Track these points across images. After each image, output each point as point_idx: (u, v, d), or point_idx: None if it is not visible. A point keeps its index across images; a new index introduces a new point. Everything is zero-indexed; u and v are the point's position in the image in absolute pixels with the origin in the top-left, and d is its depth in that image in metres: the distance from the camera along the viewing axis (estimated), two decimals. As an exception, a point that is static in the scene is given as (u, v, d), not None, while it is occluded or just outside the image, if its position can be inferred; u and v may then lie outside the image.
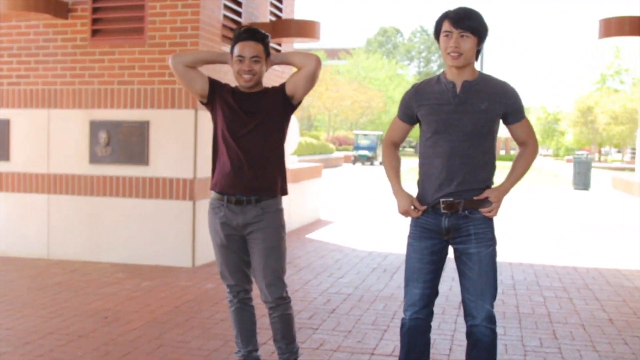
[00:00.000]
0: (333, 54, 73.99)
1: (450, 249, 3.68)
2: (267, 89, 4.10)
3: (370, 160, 45.73)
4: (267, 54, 4.04)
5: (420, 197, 3.64)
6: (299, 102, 4.13)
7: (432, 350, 3.82)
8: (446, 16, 3.51)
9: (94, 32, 8.28)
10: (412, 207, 3.65)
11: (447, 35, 3.49)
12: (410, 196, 3.67)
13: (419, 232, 3.64)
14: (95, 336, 5.22)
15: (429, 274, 3.62)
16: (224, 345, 5.03)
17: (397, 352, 4.83)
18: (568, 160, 49.94)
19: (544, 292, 7.11)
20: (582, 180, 24.41)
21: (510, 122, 3.63)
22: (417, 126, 3.79)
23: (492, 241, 3.59)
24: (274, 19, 10.22)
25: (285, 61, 4.19)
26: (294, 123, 11.92)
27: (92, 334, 5.27)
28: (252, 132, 3.99)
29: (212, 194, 4.13)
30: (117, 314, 5.84)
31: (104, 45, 8.23)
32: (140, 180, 8.10)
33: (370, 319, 5.88)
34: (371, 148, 46.47)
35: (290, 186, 10.59)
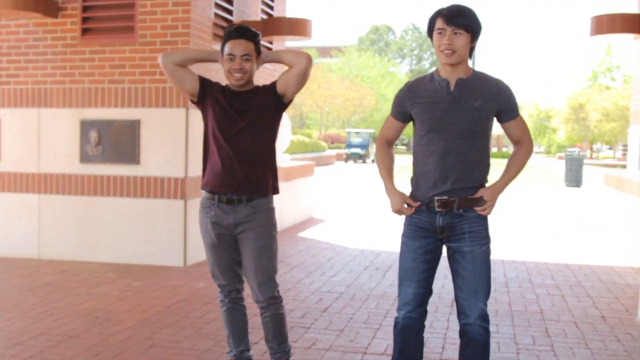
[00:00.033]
0: (325, 52, 73.92)
1: (444, 247, 3.67)
2: (258, 88, 4.08)
3: (362, 158, 45.72)
4: (258, 52, 4.02)
5: (414, 195, 3.62)
6: (290, 101, 4.11)
7: (424, 349, 3.80)
8: (439, 13, 3.49)
9: (84, 31, 8.24)
10: (405, 205, 3.63)
11: (440, 33, 3.47)
12: (402, 194, 3.65)
13: (412, 231, 3.62)
14: (86, 337, 5.18)
15: (422, 273, 3.61)
16: (216, 345, 5.00)
17: (390, 350, 4.83)
18: (560, 158, 49.99)
19: (536, 289, 7.11)
20: (574, 177, 24.45)
21: (504, 120, 3.61)
22: (410, 124, 3.77)
23: (486, 239, 3.58)
24: (265, 17, 10.19)
25: (276, 59, 4.17)
26: (286, 121, 11.90)
27: (83, 334, 5.24)
28: (243, 131, 3.97)
29: (203, 193, 4.11)
30: (108, 314, 5.81)
31: (94, 43, 8.19)
32: (132, 179, 8.06)
33: (363, 318, 5.87)
34: (363, 146, 46.44)
35: (282, 184, 10.58)
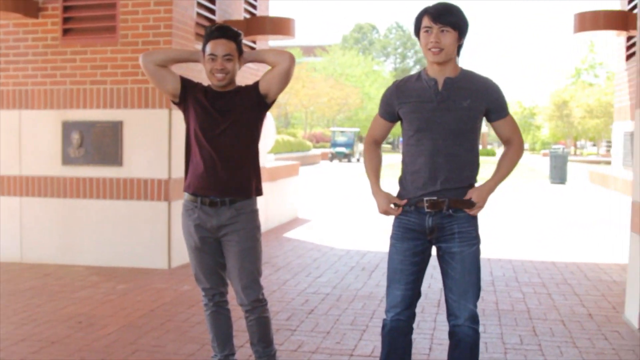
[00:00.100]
0: (309, 51, 73.91)
1: (433, 248, 3.63)
2: (240, 88, 4.02)
3: (347, 157, 45.75)
4: (240, 52, 3.96)
5: (402, 196, 3.58)
6: (273, 101, 4.05)
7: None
8: (425, 12, 3.45)
9: (65, 31, 8.15)
10: (392, 206, 3.59)
11: (427, 31, 3.43)
12: (388, 195, 3.60)
13: (401, 232, 3.57)
14: (69, 342, 5.11)
15: (411, 276, 3.56)
16: (201, 349, 4.94)
17: (377, 352, 4.79)
18: (544, 154, 50.26)
19: (523, 288, 7.09)
20: (559, 174, 24.54)
21: (493, 119, 3.57)
22: (398, 123, 3.73)
23: (475, 240, 3.54)
24: (248, 16, 10.12)
25: (258, 59, 4.11)
26: (271, 121, 11.84)
27: (65, 339, 5.16)
28: (226, 132, 3.91)
29: (186, 195, 4.04)
30: (92, 319, 5.73)
31: (75, 44, 8.10)
32: (114, 181, 7.98)
33: (349, 319, 5.82)
34: (348, 145, 46.47)
35: (267, 185, 10.52)
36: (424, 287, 3.75)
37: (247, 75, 8.91)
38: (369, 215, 12.57)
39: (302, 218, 12.90)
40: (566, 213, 14.34)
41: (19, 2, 7.86)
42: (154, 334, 5.34)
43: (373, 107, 64.37)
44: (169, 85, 4.01)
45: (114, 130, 7.95)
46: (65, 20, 8.14)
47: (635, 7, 8.93)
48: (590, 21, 9.35)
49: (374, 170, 3.72)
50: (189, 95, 3.99)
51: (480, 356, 4.71)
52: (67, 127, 8.09)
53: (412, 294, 3.58)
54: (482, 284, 6.89)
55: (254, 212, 4.03)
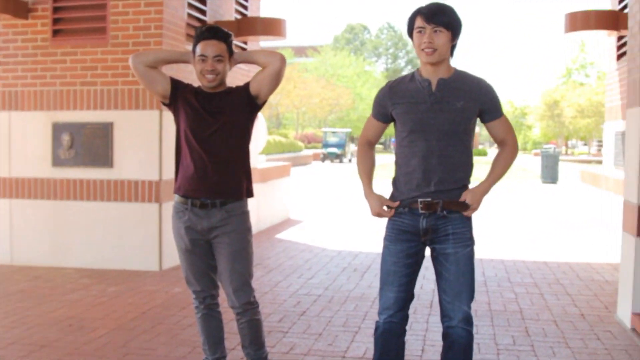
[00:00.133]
0: (300, 51, 73.84)
1: (427, 249, 3.61)
2: (230, 89, 4.00)
3: (339, 157, 45.74)
4: (230, 52, 3.93)
5: (396, 197, 3.56)
6: (264, 102, 4.03)
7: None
8: (418, 12, 3.43)
9: (55, 32, 8.10)
10: (385, 208, 3.57)
11: (420, 32, 3.40)
12: (380, 197, 3.59)
13: (395, 234, 3.55)
14: (59, 345, 5.07)
15: (404, 277, 3.54)
16: (192, 352, 4.91)
17: (369, 354, 4.77)
18: (536, 154, 50.37)
19: (515, 288, 7.08)
20: (550, 173, 24.59)
21: (487, 120, 3.55)
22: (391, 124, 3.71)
23: (470, 241, 3.52)
24: (239, 17, 10.09)
25: (248, 60, 4.08)
26: (262, 122, 11.82)
27: (55, 343, 5.12)
28: (216, 134, 3.88)
29: (176, 197, 4.01)
30: (82, 322, 5.69)
31: (65, 45, 8.05)
32: (105, 182, 7.94)
33: (341, 321, 5.80)
34: (340, 145, 46.46)
35: (259, 186, 10.50)
36: (416, 288, 3.73)
37: (238, 76, 8.87)
38: (361, 215, 12.55)
39: (293, 219, 12.87)
40: (558, 213, 14.36)
41: (8, 3, 7.80)
42: (145, 336, 5.30)
43: (365, 108, 64.43)
44: (159, 87, 3.98)
45: (105, 131, 7.90)
46: (55, 21, 8.09)
47: (625, 6, 8.93)
48: (582, 21, 9.36)
49: (367, 172, 3.70)
50: (179, 97, 3.96)
51: (473, 357, 4.68)
52: (57, 129, 8.04)
53: (405, 296, 3.56)
54: (475, 284, 6.88)
55: (245, 214, 4.00)
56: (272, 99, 49.18)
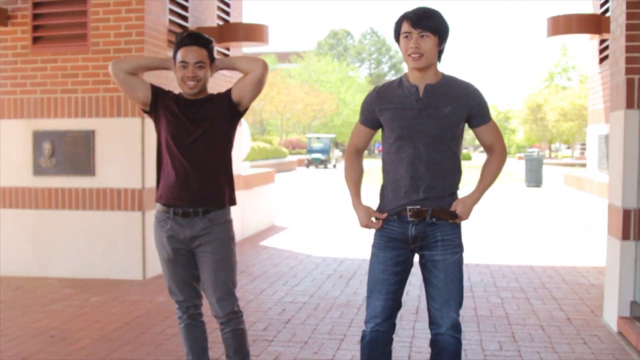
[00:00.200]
0: (284, 57, 73.81)
1: (415, 256, 3.57)
2: (212, 96, 3.94)
3: (323, 163, 45.72)
4: (212, 59, 3.88)
5: (384, 206, 3.52)
6: (246, 109, 3.98)
7: (390, 359, 3.69)
8: (405, 17, 3.39)
9: (35, 40, 8.02)
10: (373, 219, 3.52)
11: (406, 37, 3.37)
12: (368, 209, 3.54)
13: (383, 242, 3.51)
14: (40, 357, 4.99)
15: (392, 286, 3.50)
16: (176, 362, 4.85)
17: (355, 362, 4.72)
18: (519, 158, 50.51)
19: (501, 293, 7.06)
20: (535, 177, 24.67)
21: (475, 125, 3.51)
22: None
23: (458, 248, 3.49)
24: (221, 23, 10.04)
25: (230, 66, 4.03)
26: (246, 128, 11.77)
27: (37, 355, 5.04)
28: (198, 141, 3.82)
29: (158, 206, 3.95)
30: (64, 333, 5.61)
31: (46, 52, 7.97)
32: (87, 191, 7.86)
33: (327, 328, 5.75)
34: (324, 151, 46.44)
35: (243, 193, 10.44)
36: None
37: (220, 82, 8.82)
38: (346, 221, 12.51)
39: (278, 226, 12.81)
40: (543, 216, 14.38)
41: (-13, 11, 7.73)
42: (128, 347, 5.23)
43: (349, 113, 64.46)
44: (140, 93, 3.92)
45: (86, 139, 7.83)
46: (35, 28, 8.01)
47: (607, 10, 8.96)
48: (564, 25, 9.38)
49: (355, 182, 3.65)
50: (160, 104, 3.91)
51: (460, 364, 4.67)
52: (38, 137, 7.96)
53: (393, 304, 3.52)
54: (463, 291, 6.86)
55: (228, 223, 3.94)
56: (256, 105, 49.11)
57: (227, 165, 3.95)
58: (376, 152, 64.74)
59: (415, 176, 3.40)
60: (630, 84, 5.60)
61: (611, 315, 5.78)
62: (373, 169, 12.94)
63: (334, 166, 46.52)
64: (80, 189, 7.86)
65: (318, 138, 48.12)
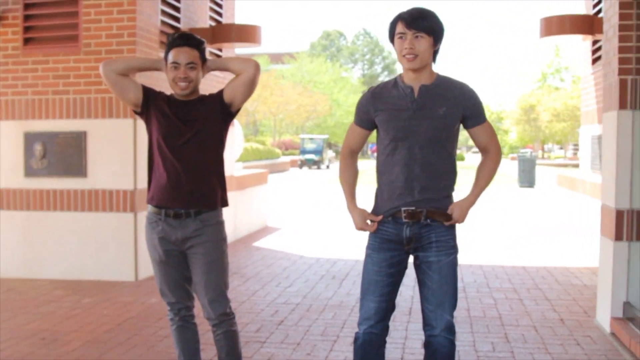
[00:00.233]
0: (277, 58, 73.76)
1: (410, 257, 3.55)
2: (204, 97, 3.92)
3: (316, 163, 45.73)
4: (203, 60, 3.86)
5: (379, 207, 3.50)
6: (238, 110, 3.96)
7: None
8: (399, 17, 3.37)
9: (26, 41, 7.98)
10: (368, 222, 3.51)
11: (401, 37, 3.35)
12: (363, 212, 3.53)
13: (378, 243, 3.49)
14: (31, 359, 4.96)
15: (386, 287, 3.48)
16: (168, 364, 4.83)
17: (348, 364, 4.71)
18: (512, 158, 50.60)
19: (494, 293, 7.06)
20: (527, 178, 24.71)
21: (470, 126, 3.49)
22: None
23: (453, 249, 3.48)
24: (213, 23, 10.02)
25: (222, 67, 4.01)
26: (239, 129, 11.74)
27: (28, 357, 5.01)
28: (190, 142, 3.80)
29: (149, 207, 3.92)
30: (55, 335, 5.58)
31: (37, 53, 7.94)
32: (79, 192, 7.82)
33: (320, 330, 5.73)
34: (317, 152, 46.45)
35: (236, 194, 10.42)
36: (394, 296, 3.68)
37: (213, 83, 8.80)
38: (339, 222, 12.50)
39: (271, 226, 12.79)
40: (536, 217, 14.39)
41: (-22, 11, 7.69)
42: (119, 349, 5.21)
43: (342, 114, 64.46)
44: (131, 94, 3.89)
45: (78, 140, 7.80)
46: (26, 29, 7.98)
47: (600, 11, 8.97)
48: (557, 25, 9.38)
49: (349, 184, 3.63)
50: (151, 105, 3.88)
51: (453, 365, 4.66)
52: (30, 138, 7.92)
53: (387, 306, 3.51)
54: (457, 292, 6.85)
55: (220, 224, 3.92)
56: (249, 106, 49.08)
57: (219, 166, 3.93)
58: (369, 153, 64.70)
59: (410, 177, 3.39)
60: (623, 84, 5.60)
61: (604, 316, 5.78)
62: (366, 169, 12.93)
63: (327, 167, 46.53)
64: (72, 190, 7.83)
65: (311, 139, 48.13)
